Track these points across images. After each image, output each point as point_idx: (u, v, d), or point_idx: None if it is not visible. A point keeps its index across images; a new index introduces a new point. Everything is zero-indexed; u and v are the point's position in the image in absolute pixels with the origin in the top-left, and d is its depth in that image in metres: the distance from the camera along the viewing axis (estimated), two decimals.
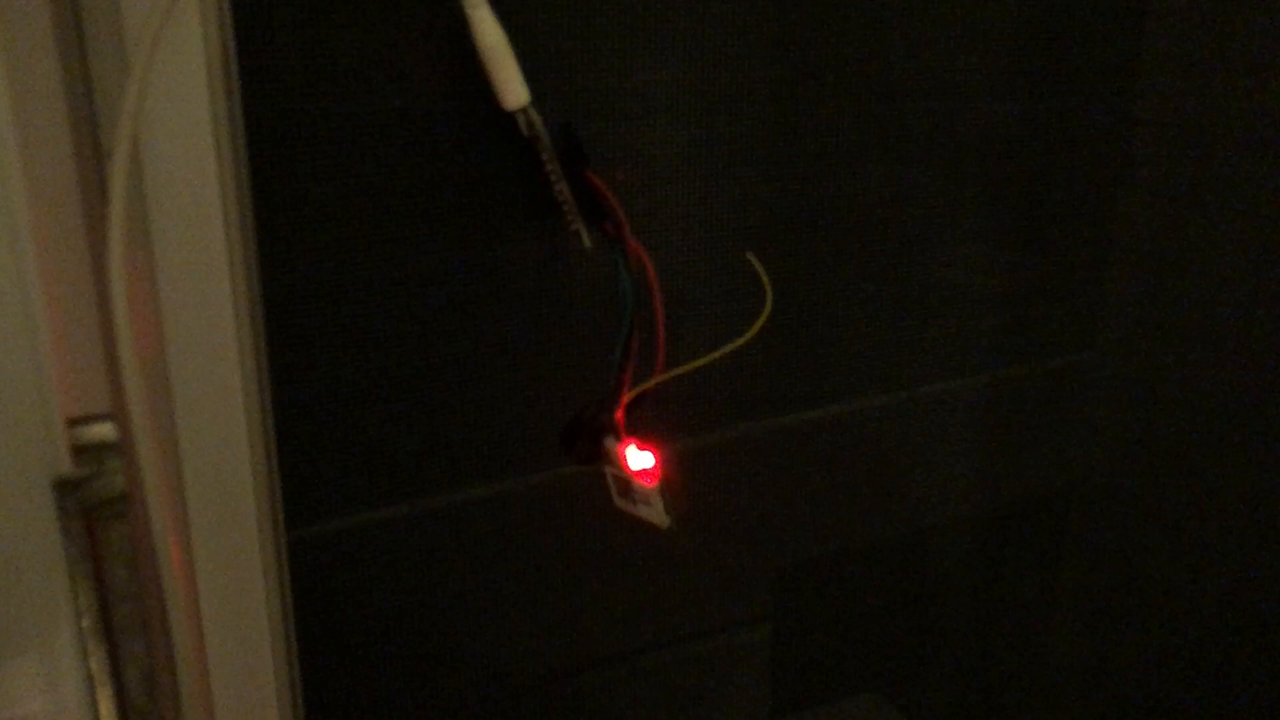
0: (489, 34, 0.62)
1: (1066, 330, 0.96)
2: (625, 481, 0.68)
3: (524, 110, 0.64)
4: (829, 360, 0.85)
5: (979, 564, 1.01)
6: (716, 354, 0.70)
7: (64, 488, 0.53)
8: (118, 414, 0.61)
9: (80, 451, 0.56)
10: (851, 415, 0.87)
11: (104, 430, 0.57)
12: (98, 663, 0.59)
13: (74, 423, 0.55)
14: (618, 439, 0.67)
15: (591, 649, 0.83)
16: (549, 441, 0.74)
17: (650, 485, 0.66)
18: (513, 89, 0.64)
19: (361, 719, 0.76)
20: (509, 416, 0.73)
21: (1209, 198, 0.92)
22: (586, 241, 0.68)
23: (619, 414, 0.66)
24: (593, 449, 0.70)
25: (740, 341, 0.71)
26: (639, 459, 0.67)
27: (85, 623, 0.58)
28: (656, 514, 0.67)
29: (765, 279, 0.73)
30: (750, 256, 0.75)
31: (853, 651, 0.97)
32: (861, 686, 0.99)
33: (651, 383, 0.68)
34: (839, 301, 0.83)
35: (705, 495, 0.83)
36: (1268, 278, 0.91)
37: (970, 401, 0.93)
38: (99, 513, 0.58)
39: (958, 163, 0.85)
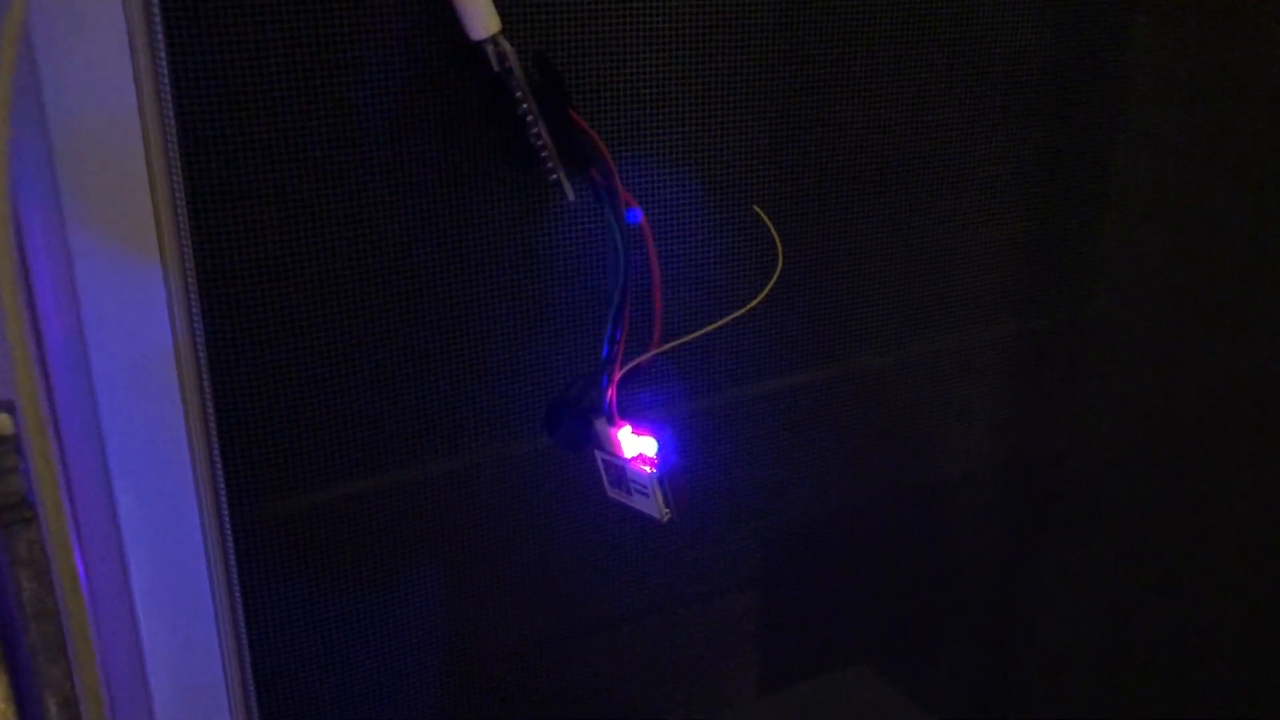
0: None
1: (1065, 287, 0.92)
2: (619, 469, 0.60)
3: (493, 40, 0.57)
4: (830, 320, 0.79)
5: (975, 528, 0.98)
6: (721, 321, 0.62)
7: None
8: (16, 401, 0.53)
9: None
10: (848, 377, 0.83)
11: None
12: (1, 690, 0.51)
13: None
14: (610, 422, 0.59)
15: (571, 619, 0.79)
16: (523, 414, 0.69)
17: (648, 474, 0.58)
18: (480, 16, 0.57)
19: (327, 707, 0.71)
20: (480, 389, 0.68)
21: (1201, 151, 0.92)
22: (569, 193, 0.60)
23: (611, 392, 0.58)
24: (580, 432, 0.61)
25: (748, 307, 0.63)
26: (635, 444, 0.58)
27: None
28: (654, 505, 0.58)
29: (776, 235, 0.64)
30: (757, 209, 0.66)
31: (844, 621, 0.94)
32: (854, 658, 0.96)
33: (647, 356, 0.59)
34: (845, 257, 0.78)
35: (693, 461, 0.78)
36: (1262, 232, 0.92)
37: (967, 361, 0.89)
38: (1, 519, 0.50)
39: (979, 100, 0.80)
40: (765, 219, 0.66)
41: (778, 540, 0.85)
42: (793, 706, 0.92)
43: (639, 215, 0.63)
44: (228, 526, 0.64)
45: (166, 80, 0.54)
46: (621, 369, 0.57)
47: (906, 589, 0.97)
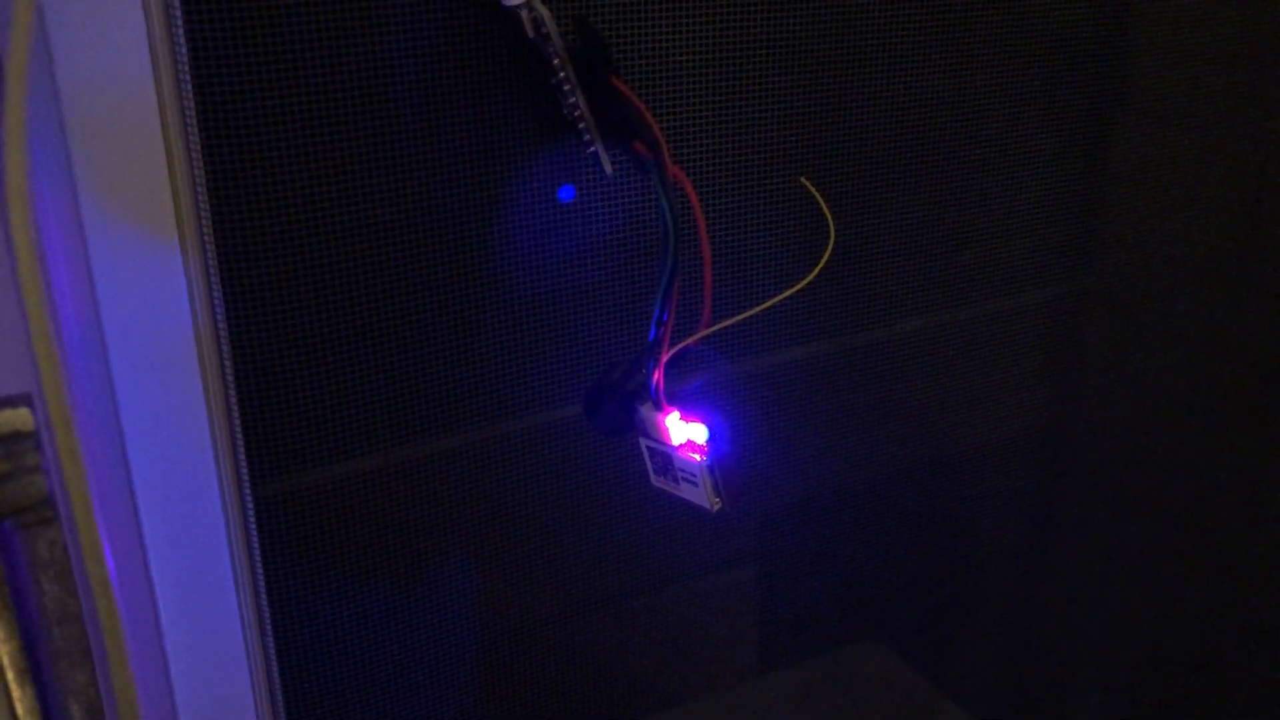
0: None
1: (1060, 259, 0.89)
2: (665, 456, 0.57)
3: (528, 5, 0.54)
4: (841, 292, 0.75)
5: (974, 502, 0.96)
6: (778, 298, 0.59)
7: None
8: (36, 394, 0.50)
9: None
10: (840, 352, 0.79)
11: (18, 416, 0.46)
12: (25, 703, 0.49)
13: None
14: (657, 407, 0.56)
15: (573, 596, 0.77)
16: (547, 388, 0.66)
17: (698, 462, 0.55)
18: None
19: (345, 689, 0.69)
20: (508, 365, 0.65)
21: (1199, 120, 0.90)
22: (607, 167, 0.57)
23: (658, 375, 0.55)
24: (623, 418, 0.58)
25: (803, 283, 0.60)
26: (685, 431, 0.55)
27: (5, 656, 0.48)
28: (704, 495, 0.56)
29: (826, 208, 0.61)
30: (804, 181, 0.63)
31: (852, 596, 0.91)
32: (863, 634, 0.94)
33: (695, 338, 0.56)
34: (880, 230, 0.74)
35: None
36: (1266, 202, 0.92)
37: (960, 334, 0.86)
38: (20, 520, 0.48)
39: (1023, 69, 0.76)
40: (813, 191, 0.62)
41: (775, 514, 0.83)
42: (804, 681, 0.91)
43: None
44: (251, 516, 0.61)
45: (183, 47, 0.51)
46: (669, 351, 0.54)
47: (921, 563, 0.95)
